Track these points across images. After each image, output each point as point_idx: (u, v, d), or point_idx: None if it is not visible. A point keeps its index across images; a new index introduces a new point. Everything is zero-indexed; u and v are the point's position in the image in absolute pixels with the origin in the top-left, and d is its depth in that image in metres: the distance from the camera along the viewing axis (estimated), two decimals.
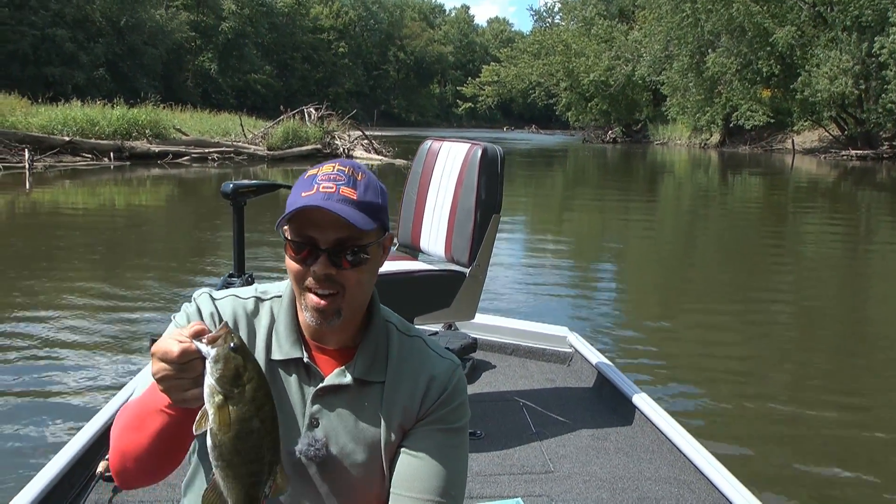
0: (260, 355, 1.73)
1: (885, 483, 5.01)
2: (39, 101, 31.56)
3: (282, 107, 36.75)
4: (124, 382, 5.37)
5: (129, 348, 7.07)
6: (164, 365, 1.41)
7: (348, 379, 1.74)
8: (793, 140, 50.48)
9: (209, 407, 1.37)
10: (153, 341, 1.66)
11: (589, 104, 68.50)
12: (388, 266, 4.24)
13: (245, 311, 1.78)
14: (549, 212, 21.68)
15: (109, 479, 3.58)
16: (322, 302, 1.65)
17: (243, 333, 1.74)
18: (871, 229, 18.59)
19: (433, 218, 4.61)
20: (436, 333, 5.44)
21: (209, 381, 1.37)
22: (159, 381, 1.43)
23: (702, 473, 3.83)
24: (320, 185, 1.65)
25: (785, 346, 8.27)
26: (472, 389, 4.95)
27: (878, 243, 16.35)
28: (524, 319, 6.43)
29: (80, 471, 3.62)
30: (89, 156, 27.15)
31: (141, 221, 16.77)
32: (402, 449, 1.76)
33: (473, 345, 5.36)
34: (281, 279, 1.89)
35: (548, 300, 10.02)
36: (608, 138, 68.37)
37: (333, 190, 1.64)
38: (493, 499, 3.60)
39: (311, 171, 1.71)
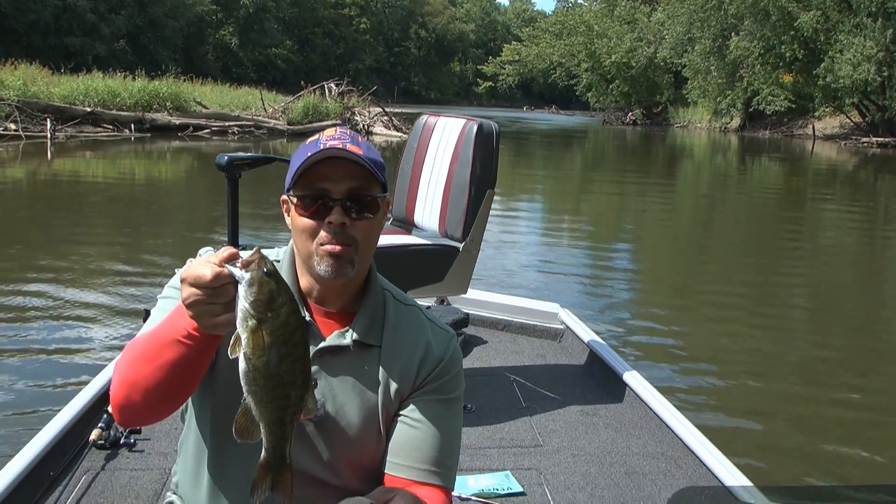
0: None
1: (876, 463, 5.06)
2: (61, 71, 31.69)
3: (302, 82, 36.76)
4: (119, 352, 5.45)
5: (129, 316, 7.08)
6: (195, 290, 1.41)
7: (348, 340, 1.77)
8: (813, 126, 50.10)
9: (242, 331, 1.38)
10: (147, 313, 1.72)
11: (610, 86, 68.13)
12: (382, 239, 4.20)
13: None
14: (566, 192, 21.66)
15: (102, 447, 3.64)
16: (338, 247, 1.68)
17: None
18: (891, 217, 18.51)
19: (427, 192, 4.61)
20: (429, 308, 5.44)
21: (243, 304, 1.38)
22: (189, 306, 1.42)
23: (690, 449, 3.88)
24: (326, 143, 1.71)
25: (790, 330, 8.29)
26: (463, 363, 4.97)
27: None
28: (517, 295, 6.48)
29: (73, 438, 3.65)
30: (110, 127, 27.29)
31: (158, 193, 16.91)
32: (399, 418, 1.79)
33: (465, 320, 5.39)
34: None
35: (555, 278, 10.08)
36: (628, 120, 67.93)
37: (341, 146, 1.69)
38: (482, 471, 3.67)
39: (313, 138, 1.77)
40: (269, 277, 1.39)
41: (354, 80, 42.08)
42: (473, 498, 3.36)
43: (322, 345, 1.76)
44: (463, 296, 5.01)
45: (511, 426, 4.23)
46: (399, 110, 40.42)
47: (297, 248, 1.77)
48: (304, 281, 1.79)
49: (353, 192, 1.70)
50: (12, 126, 24.07)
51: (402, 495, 1.52)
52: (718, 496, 3.43)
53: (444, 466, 1.78)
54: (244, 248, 4.69)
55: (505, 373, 4.93)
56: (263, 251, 1.82)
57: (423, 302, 5.31)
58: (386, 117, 34.67)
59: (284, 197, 1.78)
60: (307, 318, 1.78)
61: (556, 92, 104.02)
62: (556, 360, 5.29)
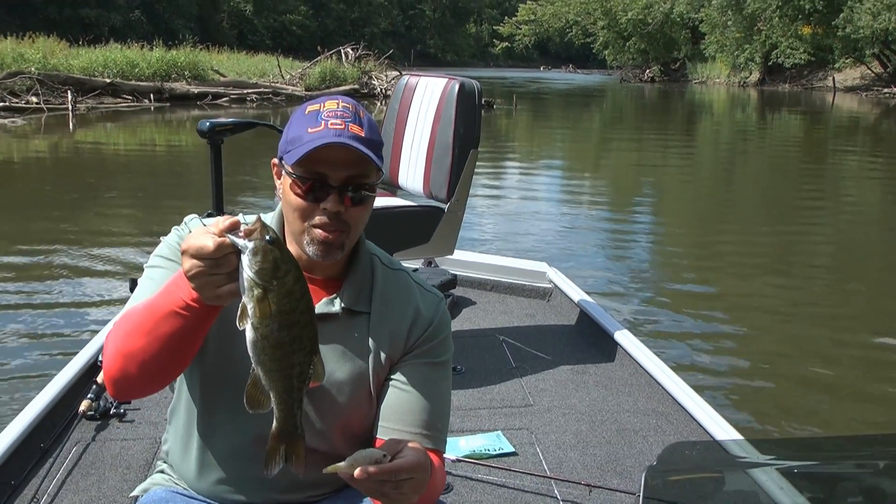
0: None
1: (872, 416, 5.11)
2: (80, 43, 31.77)
3: (319, 47, 36.74)
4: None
5: (124, 287, 6.98)
6: (196, 262, 1.37)
7: (337, 308, 1.76)
8: (833, 78, 49.60)
9: (248, 301, 1.35)
10: (133, 282, 1.73)
11: (627, 43, 67.37)
12: None
13: None
14: (583, 151, 21.64)
15: (92, 418, 3.67)
16: (330, 236, 1.66)
17: None
18: None
19: (411, 154, 4.57)
20: (416, 270, 5.41)
21: (248, 274, 1.34)
22: (192, 278, 1.39)
23: (680, 405, 3.91)
24: (328, 121, 1.64)
25: (801, 285, 8.24)
26: (452, 325, 4.92)
27: None
28: (510, 256, 6.50)
29: (63, 410, 3.67)
30: (130, 97, 27.44)
31: (177, 161, 17.03)
32: (390, 383, 1.78)
33: (453, 281, 5.35)
34: None
35: (567, 237, 10.12)
36: (646, 77, 67.35)
37: (343, 127, 1.64)
38: (473, 432, 3.70)
39: (313, 107, 1.69)
40: (272, 245, 1.36)
41: (370, 45, 42.02)
42: (465, 459, 3.38)
43: None
44: (450, 257, 5.01)
45: (501, 387, 4.25)
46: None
47: (287, 220, 1.74)
48: (292, 249, 1.71)
49: (351, 180, 1.66)
50: (34, 99, 24.19)
51: (411, 446, 1.50)
52: (710, 450, 3.34)
53: (436, 430, 1.77)
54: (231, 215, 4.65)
55: (494, 333, 4.95)
56: (250, 216, 1.74)
57: (410, 264, 5.20)
58: None
59: (276, 161, 1.74)
60: None
61: (573, 51, 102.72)
62: (544, 320, 5.31)
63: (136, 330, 1.55)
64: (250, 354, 1.39)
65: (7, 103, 23.50)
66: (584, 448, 3.63)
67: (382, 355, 1.78)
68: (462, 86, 4.30)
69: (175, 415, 1.87)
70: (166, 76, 29.05)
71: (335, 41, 46.96)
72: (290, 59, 41.67)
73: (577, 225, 10.91)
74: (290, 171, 1.66)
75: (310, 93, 30.33)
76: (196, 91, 28.84)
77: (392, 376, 1.79)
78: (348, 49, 35.40)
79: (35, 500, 3.08)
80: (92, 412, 3.65)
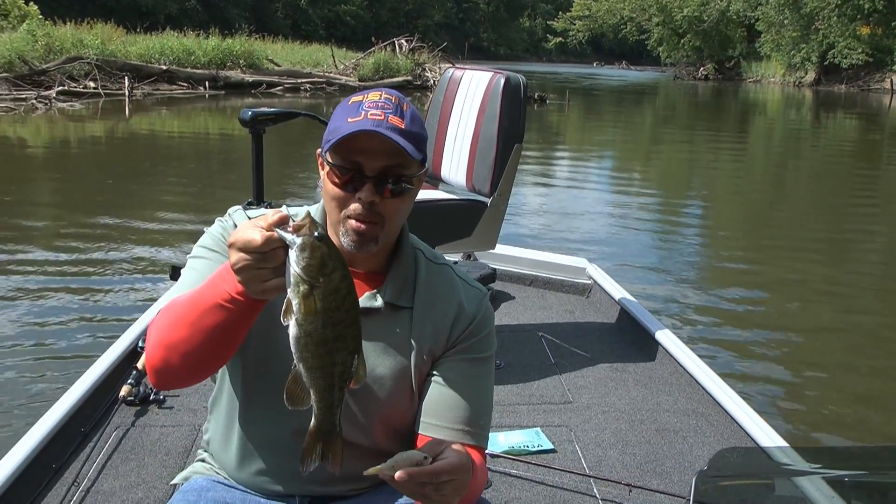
0: None
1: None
2: (137, 30, 32.21)
3: (373, 38, 36.94)
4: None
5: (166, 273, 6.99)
6: (244, 255, 1.36)
7: (379, 303, 1.75)
8: (892, 80, 48.71)
9: (294, 297, 1.34)
10: (175, 269, 1.77)
11: (681, 40, 66.77)
12: None
13: None
14: (634, 148, 21.55)
15: (132, 404, 3.70)
16: (363, 226, 1.64)
17: None
18: None
19: (454, 147, 4.56)
20: (455, 263, 5.37)
21: (295, 269, 1.34)
22: (238, 271, 1.38)
23: (721, 406, 3.89)
24: (368, 111, 1.63)
25: (846, 293, 8.08)
26: None
27: None
28: (548, 251, 6.45)
29: (103, 394, 3.70)
30: (185, 84, 27.90)
31: (230, 149, 17.11)
32: (432, 378, 1.77)
33: (493, 275, 5.37)
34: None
35: (615, 233, 10.10)
36: (700, 75, 66.64)
37: (382, 118, 1.62)
38: (512, 428, 3.69)
39: (356, 98, 1.69)
40: (320, 242, 1.34)
41: (423, 37, 42.04)
42: (504, 455, 3.38)
43: None
44: (489, 251, 5.00)
45: (540, 383, 4.24)
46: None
47: (327, 210, 1.73)
48: (333, 239, 1.59)
49: (388, 170, 1.64)
50: (91, 84, 24.62)
51: (452, 447, 1.49)
52: (751, 454, 3.36)
53: (478, 426, 1.76)
54: (269, 206, 4.72)
55: (533, 329, 4.93)
56: (294, 208, 1.76)
57: (450, 257, 5.34)
58: None
59: (319, 152, 1.74)
60: None
61: (627, 47, 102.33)
62: (584, 316, 5.28)
63: (179, 321, 1.55)
64: (293, 351, 1.38)
65: (66, 87, 23.92)
66: (623, 447, 3.62)
67: (425, 350, 1.77)
68: (507, 80, 4.30)
69: (216, 405, 1.89)
70: (221, 64, 29.47)
71: (389, 32, 47.01)
72: (344, 49, 41.91)
73: (623, 221, 10.89)
74: (329, 160, 1.66)
75: (363, 83, 30.51)
76: (250, 80, 29.21)
77: (434, 372, 1.78)
78: (402, 41, 35.54)
79: (76, 483, 3.12)
80: (132, 398, 3.69)
